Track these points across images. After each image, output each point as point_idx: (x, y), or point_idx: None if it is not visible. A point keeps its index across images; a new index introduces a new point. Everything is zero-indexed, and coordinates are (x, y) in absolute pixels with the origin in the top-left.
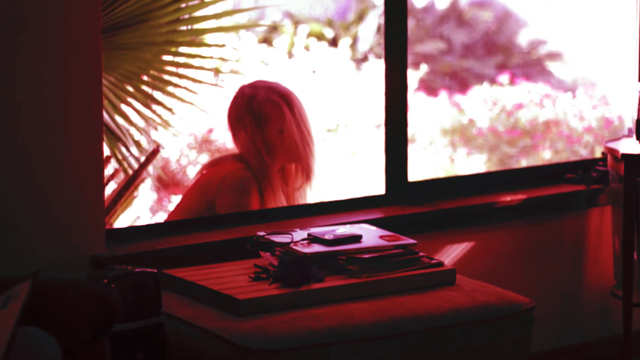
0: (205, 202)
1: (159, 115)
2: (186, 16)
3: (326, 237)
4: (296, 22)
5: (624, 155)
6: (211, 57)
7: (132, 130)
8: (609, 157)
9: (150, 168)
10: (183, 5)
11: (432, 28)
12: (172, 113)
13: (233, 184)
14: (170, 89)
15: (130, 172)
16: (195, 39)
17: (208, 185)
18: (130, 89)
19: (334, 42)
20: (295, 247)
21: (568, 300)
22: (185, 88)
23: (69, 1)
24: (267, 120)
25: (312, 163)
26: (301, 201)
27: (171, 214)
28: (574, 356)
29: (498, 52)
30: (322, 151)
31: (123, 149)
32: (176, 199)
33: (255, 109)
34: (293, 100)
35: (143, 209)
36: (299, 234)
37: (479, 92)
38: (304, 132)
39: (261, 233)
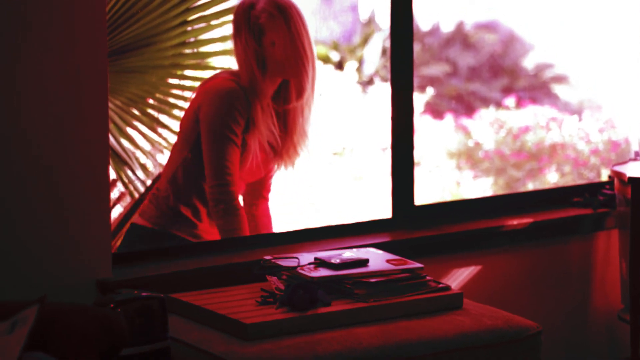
0: (194, 113)
1: (164, 139)
2: (192, 39)
3: (333, 261)
4: None
5: (631, 179)
6: None
7: (138, 153)
8: (615, 181)
9: None
10: (189, 28)
11: (437, 51)
12: None
13: (218, 93)
14: (176, 112)
15: (137, 195)
16: (201, 62)
17: (197, 96)
18: (136, 112)
19: (340, 66)
20: (302, 271)
21: (575, 324)
22: None
23: (75, 25)
24: (262, 32)
25: (306, 82)
26: (298, 124)
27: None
28: None
29: (504, 75)
30: (328, 174)
31: (129, 172)
32: None
33: (251, 19)
34: (291, 13)
35: None
36: (306, 258)
37: (485, 115)
38: (299, 48)
39: (268, 257)
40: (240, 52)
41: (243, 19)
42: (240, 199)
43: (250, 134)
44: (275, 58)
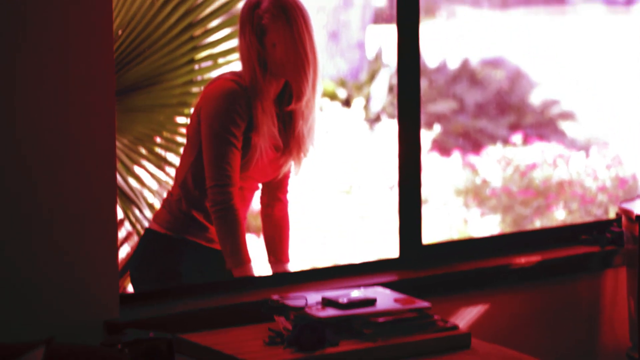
0: (197, 115)
1: (172, 178)
2: (199, 78)
3: (340, 300)
4: None
5: (639, 217)
6: None
7: (146, 192)
8: (623, 218)
9: None
10: (196, 67)
11: (444, 88)
12: None
13: (218, 95)
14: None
15: None
16: None
17: (199, 99)
18: (144, 151)
19: (347, 103)
20: (309, 311)
21: None
22: None
23: (82, 64)
24: (264, 32)
25: (306, 86)
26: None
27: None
28: None
29: (511, 112)
30: (335, 213)
31: (136, 211)
32: None
33: (255, 18)
34: (294, 15)
35: None
36: (313, 298)
37: (493, 152)
38: (300, 51)
39: (275, 297)
40: (243, 50)
41: (248, 17)
42: (257, 199)
43: (254, 133)
44: (275, 59)
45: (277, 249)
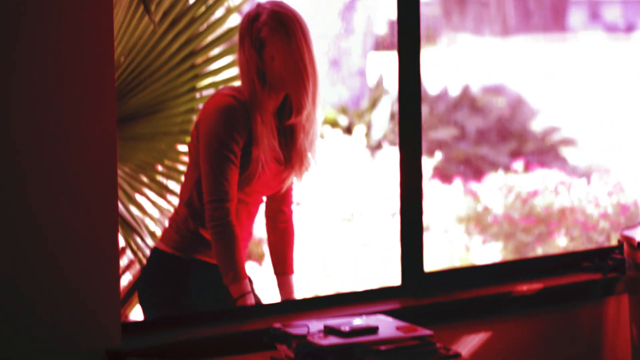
0: (197, 132)
1: (173, 206)
2: (200, 106)
3: (342, 328)
4: None
5: None
6: None
7: (147, 220)
8: (625, 245)
9: None
10: (197, 95)
11: (445, 115)
12: None
13: (216, 111)
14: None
15: (146, 262)
16: None
17: (198, 115)
18: (145, 179)
19: (348, 130)
20: (311, 339)
21: None
22: None
23: (83, 91)
24: (262, 45)
25: (305, 99)
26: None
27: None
28: None
29: (512, 139)
30: (337, 240)
31: (138, 240)
32: None
33: (254, 31)
34: (293, 27)
35: None
36: (315, 326)
37: (494, 179)
38: (299, 64)
39: (277, 325)
40: (242, 64)
41: (247, 30)
42: (261, 211)
43: (254, 146)
44: (274, 72)
45: (282, 260)
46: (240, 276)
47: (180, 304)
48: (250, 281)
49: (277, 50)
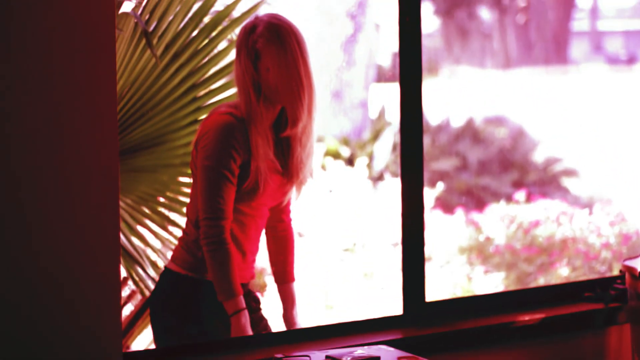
0: (195, 149)
1: (175, 237)
2: None
3: (344, 359)
4: None
5: None
6: None
7: (149, 251)
8: (627, 275)
9: None
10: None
11: (447, 145)
12: None
13: (213, 130)
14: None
15: (147, 293)
16: None
17: (197, 133)
18: (147, 210)
19: (350, 161)
20: None
21: None
22: None
23: (86, 124)
24: (258, 57)
25: (301, 111)
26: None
27: None
28: None
29: (514, 169)
30: (339, 271)
31: (140, 270)
32: None
33: (250, 42)
34: (288, 39)
35: None
36: (317, 356)
37: (496, 210)
38: (295, 76)
39: (279, 355)
40: (239, 75)
41: (243, 42)
42: (267, 226)
43: (252, 157)
44: (269, 84)
45: (283, 268)
46: (234, 293)
47: (193, 326)
48: (258, 301)
49: (273, 62)
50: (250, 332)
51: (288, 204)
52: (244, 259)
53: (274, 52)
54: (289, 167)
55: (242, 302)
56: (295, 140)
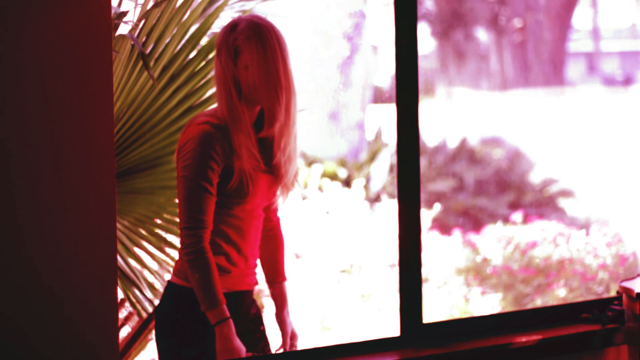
0: (176, 162)
1: (172, 258)
2: None
3: None
4: (310, 162)
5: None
6: None
7: (146, 273)
8: (624, 297)
9: None
10: None
11: (444, 167)
12: None
13: (191, 140)
14: None
15: (145, 314)
16: None
17: (178, 143)
18: (144, 232)
19: (347, 183)
20: None
21: None
22: None
23: (83, 146)
24: (238, 54)
25: (278, 111)
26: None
27: None
28: None
29: (510, 191)
30: (336, 292)
31: (137, 292)
32: None
33: (230, 40)
34: (268, 37)
35: None
36: None
37: (493, 231)
38: (273, 74)
39: None
40: (219, 73)
41: (224, 40)
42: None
43: (236, 158)
44: (248, 82)
45: (273, 267)
46: (217, 302)
47: (197, 339)
48: (261, 319)
49: (252, 59)
50: (236, 342)
51: (276, 202)
52: (246, 264)
53: (254, 49)
54: (273, 168)
55: (226, 311)
56: (275, 145)
